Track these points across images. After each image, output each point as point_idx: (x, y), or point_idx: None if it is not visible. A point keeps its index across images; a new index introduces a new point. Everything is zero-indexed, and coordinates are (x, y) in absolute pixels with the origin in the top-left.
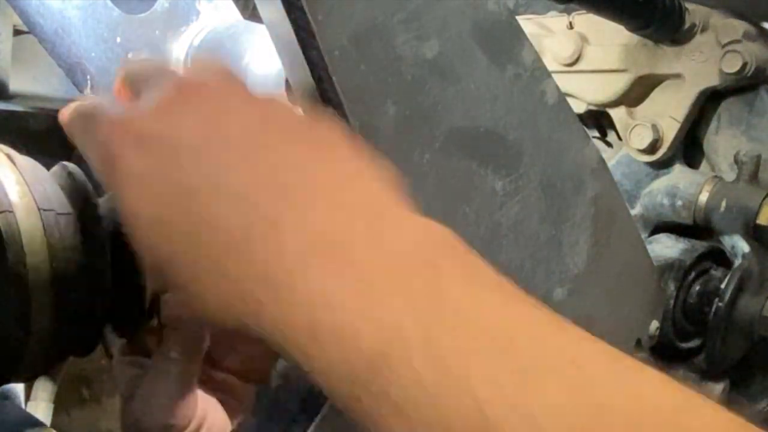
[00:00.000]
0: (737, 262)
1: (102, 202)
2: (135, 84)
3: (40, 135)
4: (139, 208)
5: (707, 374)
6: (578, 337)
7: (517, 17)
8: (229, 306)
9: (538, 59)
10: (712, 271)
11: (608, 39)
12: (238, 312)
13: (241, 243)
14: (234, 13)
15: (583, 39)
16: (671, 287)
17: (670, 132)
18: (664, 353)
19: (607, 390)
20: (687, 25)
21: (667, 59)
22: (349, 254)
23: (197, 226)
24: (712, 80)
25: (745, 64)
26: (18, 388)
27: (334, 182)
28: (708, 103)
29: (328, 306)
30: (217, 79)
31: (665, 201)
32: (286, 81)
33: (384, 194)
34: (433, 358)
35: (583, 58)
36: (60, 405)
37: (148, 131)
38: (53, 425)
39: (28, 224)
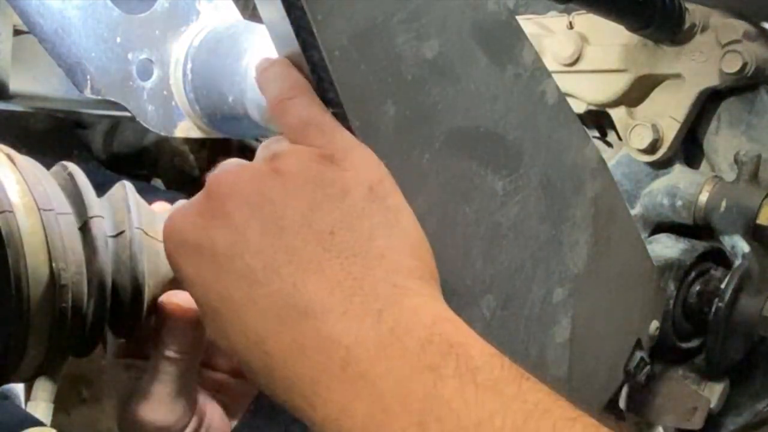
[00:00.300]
0: (737, 262)
1: (102, 201)
2: None
3: (40, 135)
4: (200, 308)
5: (707, 374)
6: None
7: (517, 17)
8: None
9: (538, 59)
10: (712, 271)
11: (608, 39)
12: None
13: (269, 356)
14: (234, 13)
15: (583, 39)
16: (671, 287)
17: (670, 132)
18: (664, 353)
19: None
20: (687, 25)
21: (667, 59)
22: (363, 368)
23: (233, 332)
24: (712, 80)
25: (745, 64)
26: (18, 388)
27: (353, 288)
28: (708, 103)
29: (347, 418)
30: (253, 167)
31: (665, 201)
32: None
33: (402, 283)
34: None
35: (583, 58)
36: (60, 405)
37: (188, 237)
38: (53, 425)
39: (28, 224)
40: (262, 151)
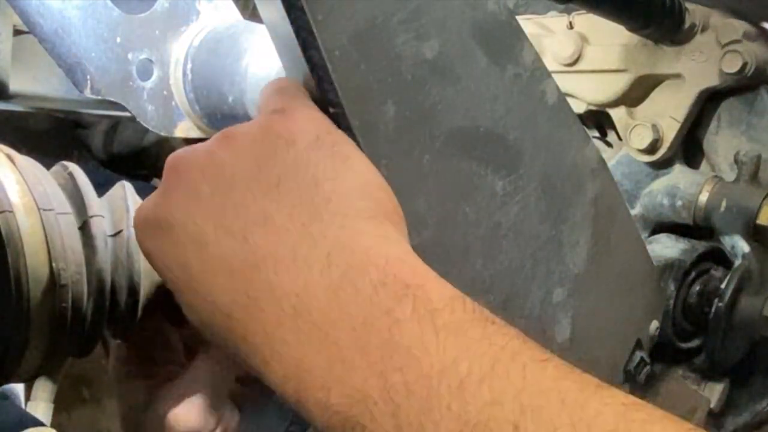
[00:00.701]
0: (737, 262)
1: (101, 201)
2: None
3: (40, 135)
4: (170, 286)
5: (707, 374)
6: (557, 376)
7: (517, 17)
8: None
9: (538, 59)
10: (712, 271)
11: (608, 39)
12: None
13: (229, 318)
14: (234, 13)
15: (583, 39)
16: (671, 287)
17: (670, 132)
18: (664, 353)
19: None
20: (687, 25)
21: (667, 59)
22: (315, 317)
23: (197, 301)
24: (712, 80)
25: (745, 64)
26: (18, 388)
27: (301, 235)
28: (708, 103)
29: (304, 373)
30: (208, 142)
31: (665, 201)
32: None
33: (350, 225)
34: (401, 426)
35: (583, 58)
36: (60, 405)
37: (152, 216)
38: (53, 425)
39: (28, 224)
40: None
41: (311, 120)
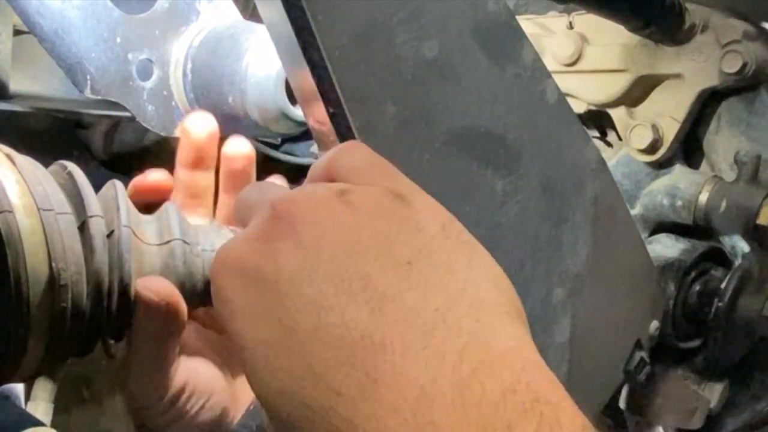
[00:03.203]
0: (737, 262)
1: (100, 201)
2: (243, 212)
3: (40, 135)
4: (247, 342)
5: (707, 374)
6: None
7: (517, 17)
8: None
9: (538, 59)
10: (712, 271)
11: (608, 39)
12: None
13: (337, 395)
14: (234, 13)
15: (583, 39)
16: (671, 287)
17: (670, 132)
18: (664, 353)
19: None
20: (687, 25)
21: (667, 59)
22: (436, 414)
23: (291, 366)
24: (712, 80)
25: (745, 64)
26: (18, 388)
27: (435, 321)
28: (708, 103)
29: None
30: (323, 193)
31: (665, 201)
32: (286, 81)
33: (487, 319)
34: None
35: (583, 58)
36: (60, 405)
37: (248, 262)
38: (53, 425)
39: (27, 224)
40: (318, 173)
41: (434, 208)
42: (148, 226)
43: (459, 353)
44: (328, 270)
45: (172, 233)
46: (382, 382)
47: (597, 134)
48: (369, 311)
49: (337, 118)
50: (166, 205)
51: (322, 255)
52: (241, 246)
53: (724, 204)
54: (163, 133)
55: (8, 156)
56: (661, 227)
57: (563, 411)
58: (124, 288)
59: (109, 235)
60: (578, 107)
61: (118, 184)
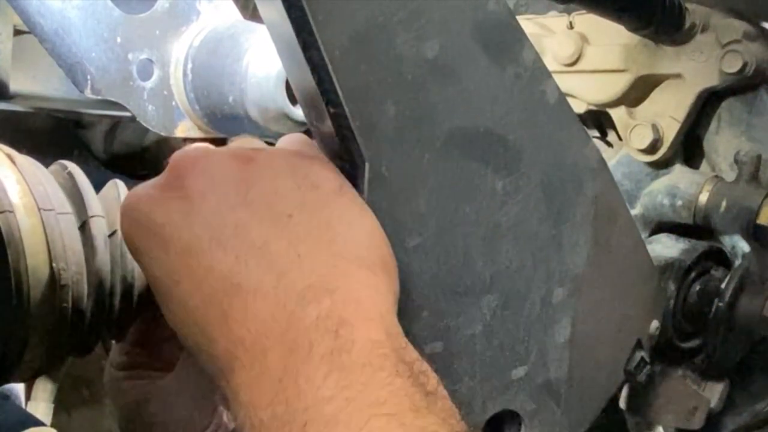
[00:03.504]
0: (737, 262)
1: (100, 201)
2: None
3: (40, 135)
4: (150, 279)
5: (707, 374)
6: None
7: (517, 17)
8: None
9: (538, 59)
10: (712, 271)
11: (608, 39)
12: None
13: (201, 332)
14: (234, 13)
15: (583, 39)
16: (671, 287)
17: (670, 132)
18: (664, 353)
19: None
20: (687, 25)
21: (667, 59)
22: (268, 343)
23: (174, 306)
24: (712, 80)
25: (745, 64)
26: (18, 388)
27: (292, 265)
28: (708, 103)
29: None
30: (223, 152)
31: (665, 201)
32: (286, 81)
33: (344, 266)
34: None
35: (583, 58)
36: (60, 405)
37: (143, 209)
38: (53, 425)
39: (28, 224)
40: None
41: (335, 171)
42: None
43: (302, 291)
44: (206, 219)
45: None
46: (233, 318)
47: (597, 134)
48: (234, 257)
49: (337, 118)
50: None
51: (205, 205)
52: (137, 196)
53: (724, 204)
54: (163, 133)
55: (9, 156)
56: (661, 227)
57: (358, 331)
58: (127, 288)
59: (111, 235)
60: (578, 107)
61: (119, 184)
